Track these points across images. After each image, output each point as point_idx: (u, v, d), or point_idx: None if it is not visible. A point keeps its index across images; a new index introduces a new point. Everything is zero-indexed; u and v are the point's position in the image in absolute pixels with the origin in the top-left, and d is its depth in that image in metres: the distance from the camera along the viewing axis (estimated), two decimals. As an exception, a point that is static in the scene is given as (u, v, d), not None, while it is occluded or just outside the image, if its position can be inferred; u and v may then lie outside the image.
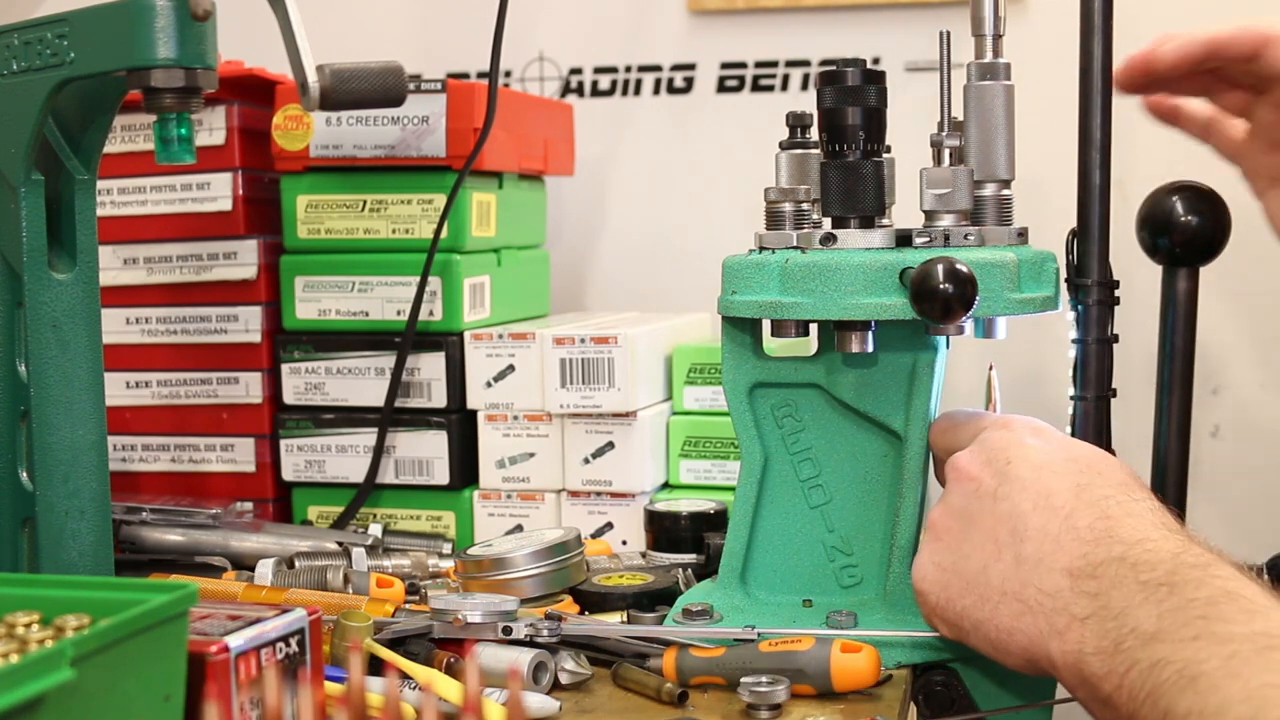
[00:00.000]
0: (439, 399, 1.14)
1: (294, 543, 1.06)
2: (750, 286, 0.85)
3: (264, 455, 1.18)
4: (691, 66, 1.47)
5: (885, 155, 0.86)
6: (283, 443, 1.17)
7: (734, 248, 0.89)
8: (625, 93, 1.48)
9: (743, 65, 1.46)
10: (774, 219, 0.87)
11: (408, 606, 0.91)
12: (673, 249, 1.47)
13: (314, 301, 1.16)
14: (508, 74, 1.49)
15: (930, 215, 0.85)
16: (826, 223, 0.87)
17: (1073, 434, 0.90)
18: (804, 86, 1.44)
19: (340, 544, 1.05)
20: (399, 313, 1.14)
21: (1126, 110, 1.03)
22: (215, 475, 1.19)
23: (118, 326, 1.17)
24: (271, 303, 1.17)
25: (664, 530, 1.04)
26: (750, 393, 0.88)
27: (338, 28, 1.49)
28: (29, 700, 0.53)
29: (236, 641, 0.66)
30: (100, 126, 0.85)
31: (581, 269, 1.50)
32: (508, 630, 0.82)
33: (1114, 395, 0.90)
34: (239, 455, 1.18)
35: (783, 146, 0.91)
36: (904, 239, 0.85)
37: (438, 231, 1.12)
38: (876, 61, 1.40)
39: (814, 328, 0.87)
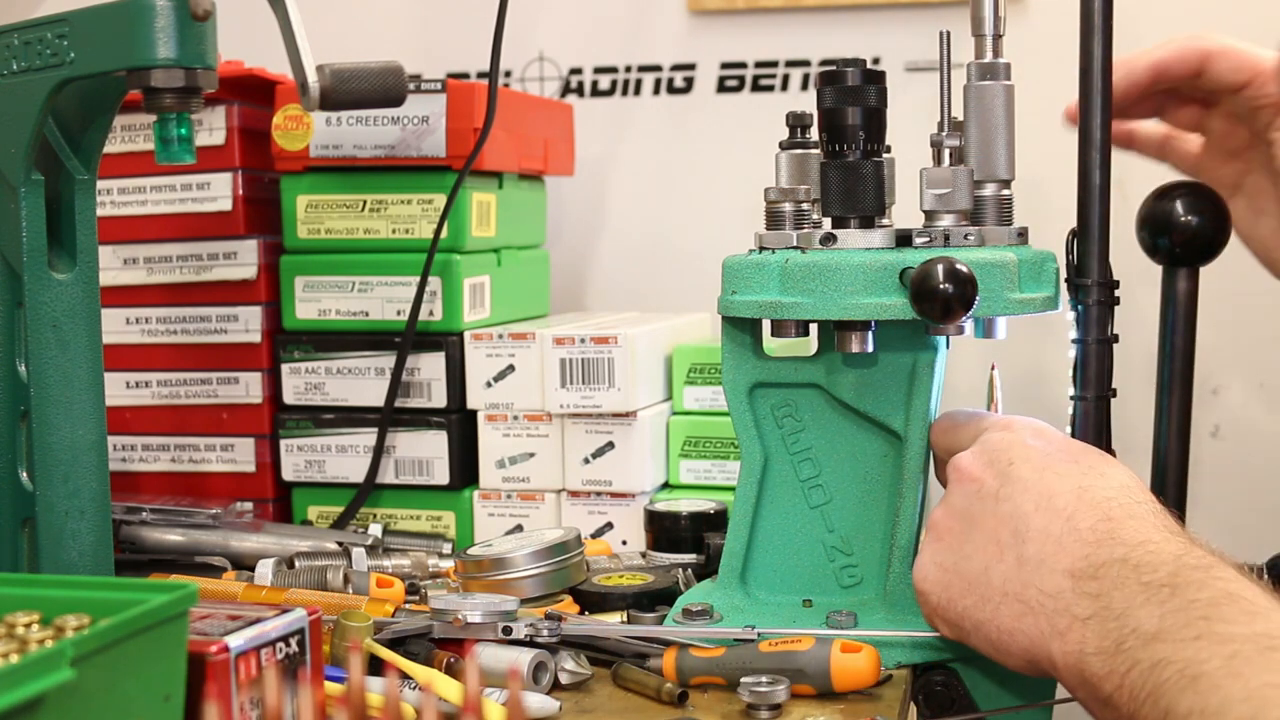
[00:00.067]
0: (439, 399, 1.14)
1: (294, 543, 1.06)
2: (750, 286, 0.85)
3: (264, 455, 1.18)
4: (691, 66, 1.47)
5: (885, 155, 0.86)
6: (283, 443, 1.17)
7: (734, 248, 0.89)
8: (625, 93, 1.48)
9: (743, 65, 1.46)
10: (774, 219, 0.87)
11: (408, 606, 0.91)
12: (673, 249, 1.47)
13: (314, 301, 1.16)
14: (508, 74, 1.49)
15: (930, 215, 0.85)
16: (826, 223, 0.87)
17: (1073, 434, 0.90)
18: (804, 86, 1.44)
19: (340, 544, 1.05)
20: (399, 313, 1.14)
21: (1126, 110, 1.03)
22: (215, 475, 1.19)
23: (118, 326, 1.17)
24: (271, 303, 1.17)
25: (664, 530, 1.04)
26: (750, 393, 0.88)
27: (338, 28, 1.49)
28: (29, 700, 0.53)
29: (236, 641, 0.66)
30: (100, 126, 0.85)
31: (581, 269, 1.50)
32: (508, 630, 0.82)
33: (1114, 395, 0.90)
34: (239, 455, 1.18)
35: (783, 146, 0.91)
36: (904, 239, 0.85)
37: (438, 231, 1.12)
38: (876, 61, 1.40)
39: (814, 328, 0.87)
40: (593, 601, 0.94)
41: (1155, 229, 0.99)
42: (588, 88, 1.49)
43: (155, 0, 0.77)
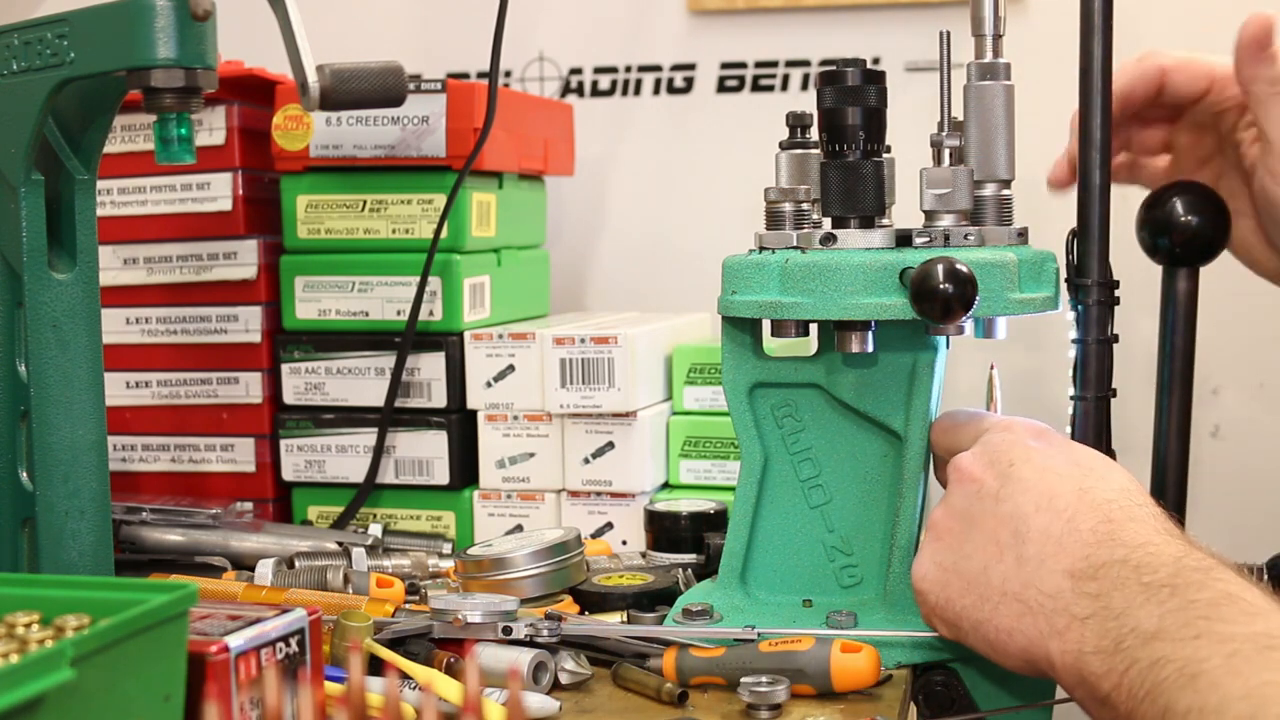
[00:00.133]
0: (439, 399, 1.14)
1: (294, 543, 1.06)
2: (750, 286, 0.85)
3: (264, 455, 1.18)
4: (691, 66, 1.47)
5: (885, 155, 0.86)
6: (283, 443, 1.17)
7: (734, 248, 0.89)
8: (625, 93, 1.48)
9: (743, 65, 1.46)
10: (774, 219, 0.87)
11: (408, 606, 0.91)
12: (673, 249, 1.47)
13: (314, 301, 1.16)
14: (508, 74, 1.49)
15: (930, 215, 0.85)
16: (826, 223, 0.87)
17: (1073, 434, 0.90)
18: (804, 86, 1.44)
19: (340, 544, 1.05)
20: (399, 313, 1.14)
21: (1126, 110, 1.02)
22: (215, 475, 1.19)
23: (118, 326, 1.17)
24: (271, 303, 1.17)
25: (664, 530, 1.04)
26: (750, 393, 0.88)
27: (338, 28, 1.49)
28: (29, 700, 0.53)
29: (236, 641, 0.66)
30: (100, 126, 0.85)
31: (581, 269, 1.50)
32: (508, 630, 0.82)
33: (1114, 395, 0.90)
34: (239, 455, 1.18)
35: (783, 146, 0.91)
36: (904, 239, 0.85)
37: (438, 231, 1.12)
38: (876, 61, 1.40)
39: (814, 328, 0.87)
40: (593, 601, 0.94)
41: (1155, 229, 0.99)
42: (588, 88, 1.49)
43: (155, 0, 0.77)
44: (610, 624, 0.89)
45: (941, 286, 0.77)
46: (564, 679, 0.82)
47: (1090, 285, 0.88)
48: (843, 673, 0.78)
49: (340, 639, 0.81)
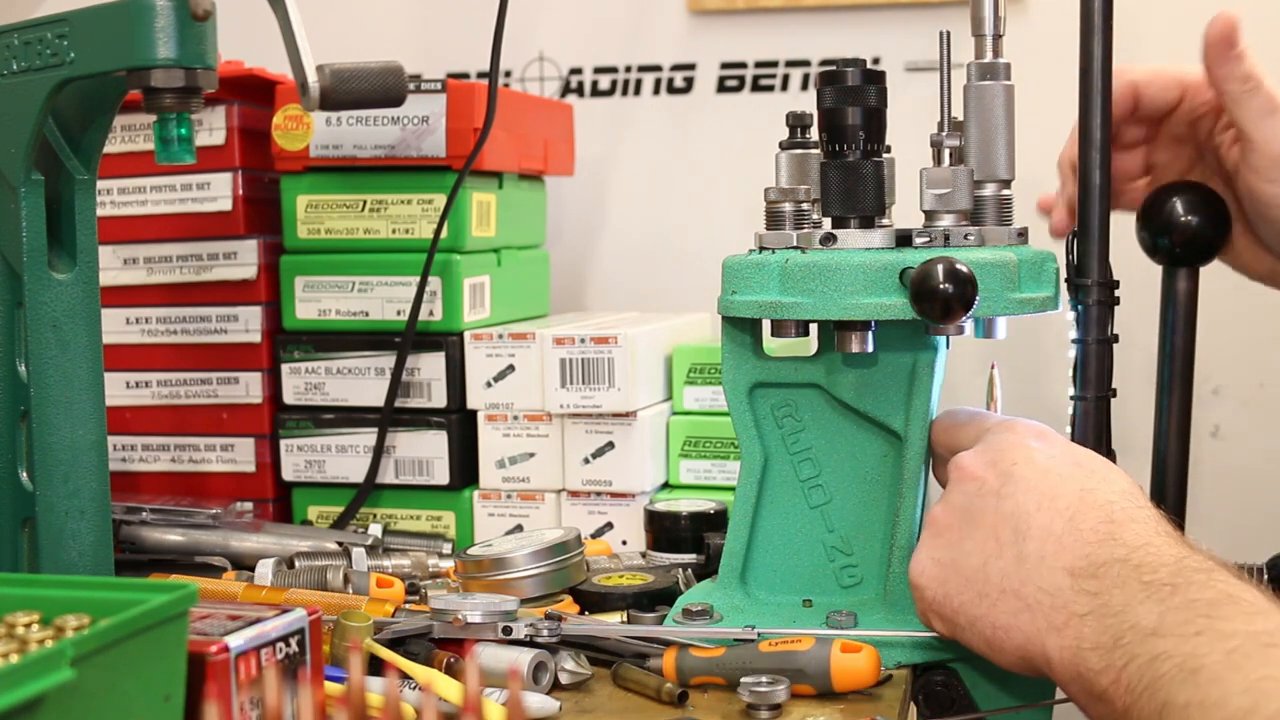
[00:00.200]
0: (439, 399, 1.14)
1: (294, 543, 1.06)
2: (750, 286, 0.85)
3: (264, 455, 1.18)
4: (691, 66, 1.47)
5: (885, 155, 0.86)
6: (283, 443, 1.17)
7: (734, 248, 0.89)
8: (625, 93, 1.48)
9: (743, 65, 1.46)
10: (774, 219, 0.87)
11: (408, 606, 0.91)
12: (673, 249, 1.47)
13: (314, 301, 1.16)
14: (508, 74, 1.48)
15: (930, 215, 0.85)
16: (826, 223, 0.87)
17: (1073, 434, 0.90)
18: (804, 86, 1.44)
19: (340, 544, 1.05)
20: (399, 313, 1.14)
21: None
22: (215, 475, 1.19)
23: (118, 326, 1.17)
24: (271, 303, 1.17)
25: (664, 530, 1.04)
26: (750, 393, 0.88)
27: (338, 28, 1.49)
28: (29, 700, 0.53)
29: (236, 641, 0.66)
30: (100, 126, 0.85)
31: (581, 269, 1.50)
32: (508, 630, 0.82)
33: (1114, 395, 0.90)
34: (239, 455, 1.18)
35: (783, 146, 0.91)
36: (904, 239, 0.85)
37: (438, 231, 1.12)
38: (876, 61, 1.40)
39: (814, 328, 0.87)
40: (593, 601, 0.94)
41: (1155, 229, 0.99)
42: (588, 88, 1.49)
43: (155, 0, 0.77)
44: (610, 624, 0.89)
45: (941, 286, 0.77)
46: (564, 679, 0.82)
47: (1090, 285, 0.88)
48: (843, 673, 0.78)
49: (340, 639, 0.81)
